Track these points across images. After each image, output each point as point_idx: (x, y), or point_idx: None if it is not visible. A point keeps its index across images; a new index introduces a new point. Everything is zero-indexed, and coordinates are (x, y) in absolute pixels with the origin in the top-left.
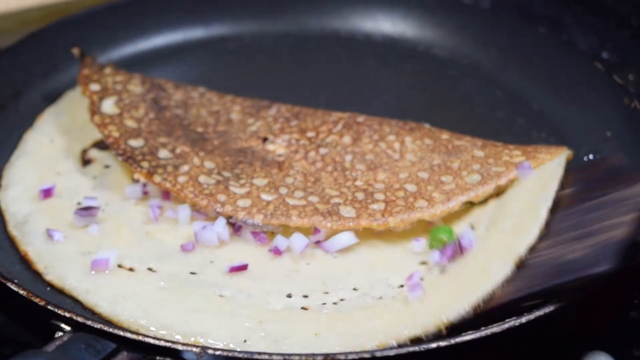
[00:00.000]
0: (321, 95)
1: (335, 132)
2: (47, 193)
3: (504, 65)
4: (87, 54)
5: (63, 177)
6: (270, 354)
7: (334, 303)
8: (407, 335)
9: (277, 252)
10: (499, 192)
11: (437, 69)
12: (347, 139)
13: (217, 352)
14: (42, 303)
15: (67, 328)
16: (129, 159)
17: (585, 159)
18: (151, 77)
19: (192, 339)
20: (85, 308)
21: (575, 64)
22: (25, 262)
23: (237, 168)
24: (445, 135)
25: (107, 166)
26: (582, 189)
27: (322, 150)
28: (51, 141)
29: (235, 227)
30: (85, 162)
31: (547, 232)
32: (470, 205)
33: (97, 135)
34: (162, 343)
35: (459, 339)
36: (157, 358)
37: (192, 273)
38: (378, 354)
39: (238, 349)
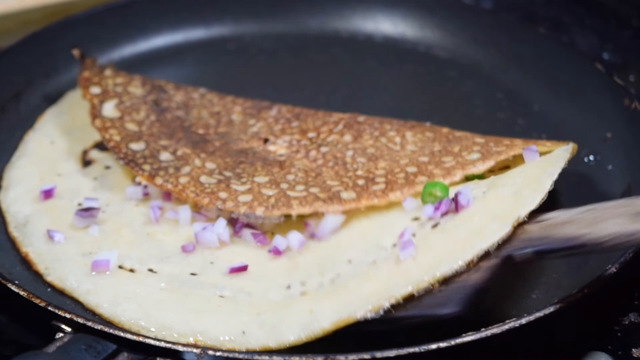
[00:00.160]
0: (322, 96)
1: (336, 132)
2: (47, 194)
3: (505, 66)
4: (88, 55)
5: (64, 178)
6: (270, 355)
7: (331, 280)
8: (398, 294)
9: (276, 252)
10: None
11: (438, 70)
12: (348, 137)
13: (218, 353)
14: (42, 304)
15: (68, 329)
16: (131, 162)
17: (585, 160)
18: (152, 79)
19: (192, 338)
20: (86, 309)
21: (575, 64)
22: (26, 263)
23: (238, 168)
24: (445, 130)
25: (107, 167)
26: None
27: (323, 149)
28: (52, 142)
29: (236, 229)
30: (86, 163)
31: None
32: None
33: (97, 136)
34: (163, 344)
35: (459, 340)
36: (158, 359)
37: (193, 274)
38: (378, 355)
39: (238, 347)
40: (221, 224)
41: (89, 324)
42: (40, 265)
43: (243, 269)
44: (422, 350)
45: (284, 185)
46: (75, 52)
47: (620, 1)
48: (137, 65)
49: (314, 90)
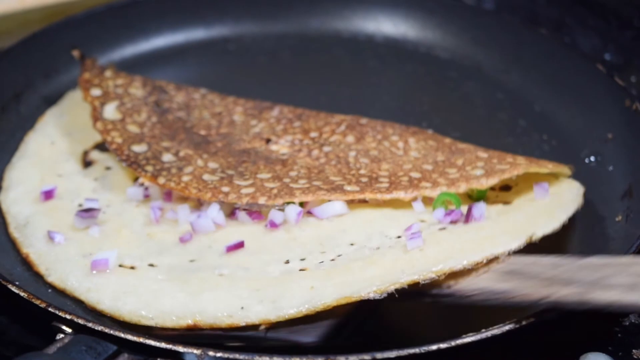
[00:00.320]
0: (322, 96)
1: (339, 133)
2: (48, 195)
3: (506, 66)
4: (88, 56)
5: (64, 179)
6: (271, 356)
7: (332, 260)
8: (404, 280)
9: (273, 225)
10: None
11: (439, 71)
12: (350, 139)
13: (218, 354)
14: (43, 305)
15: (68, 330)
16: (133, 164)
17: (586, 160)
18: (152, 79)
19: (190, 320)
20: (87, 307)
21: (577, 65)
22: (26, 264)
23: (240, 167)
24: (447, 140)
25: (108, 168)
26: None
27: (326, 149)
28: (52, 143)
29: (231, 211)
30: (87, 163)
31: None
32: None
33: (98, 137)
34: (163, 345)
35: (459, 341)
36: None
37: (192, 261)
38: (378, 356)
39: (236, 322)
40: (214, 208)
41: (90, 325)
42: (41, 266)
43: (240, 245)
44: (423, 351)
45: (286, 180)
46: (76, 53)
47: (622, 2)
48: (137, 65)
49: (315, 91)
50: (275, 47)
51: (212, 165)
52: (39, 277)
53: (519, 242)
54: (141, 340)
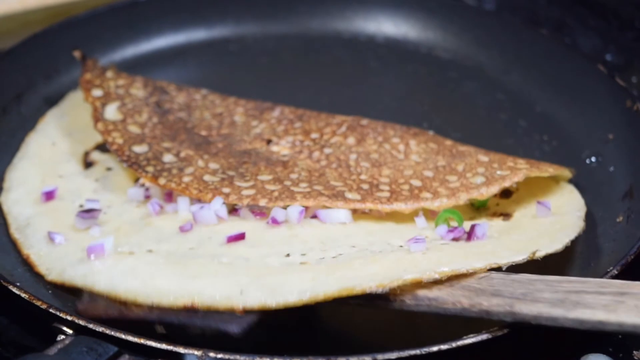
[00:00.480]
0: (323, 97)
1: (339, 134)
2: (49, 196)
3: (507, 67)
4: (89, 56)
5: (65, 180)
6: (271, 356)
7: (333, 257)
8: (408, 277)
9: (274, 222)
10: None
11: (439, 71)
12: (351, 140)
13: (219, 355)
14: (43, 306)
15: (69, 331)
16: (134, 164)
17: (587, 161)
18: (153, 80)
19: (188, 300)
20: (84, 291)
21: (578, 66)
22: (27, 265)
23: (241, 168)
24: (448, 142)
25: (109, 168)
26: None
27: (327, 150)
28: (53, 143)
29: (233, 207)
30: (88, 164)
31: None
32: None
33: (99, 138)
34: (164, 346)
35: (460, 342)
36: None
37: (191, 248)
38: (379, 357)
39: (235, 306)
40: (218, 202)
41: (90, 326)
42: (42, 267)
43: (240, 237)
44: (424, 352)
45: (287, 183)
46: (77, 54)
47: (623, 2)
48: (138, 66)
49: (316, 91)
50: (276, 48)
51: (213, 166)
52: (39, 278)
53: (522, 257)
54: (142, 341)
